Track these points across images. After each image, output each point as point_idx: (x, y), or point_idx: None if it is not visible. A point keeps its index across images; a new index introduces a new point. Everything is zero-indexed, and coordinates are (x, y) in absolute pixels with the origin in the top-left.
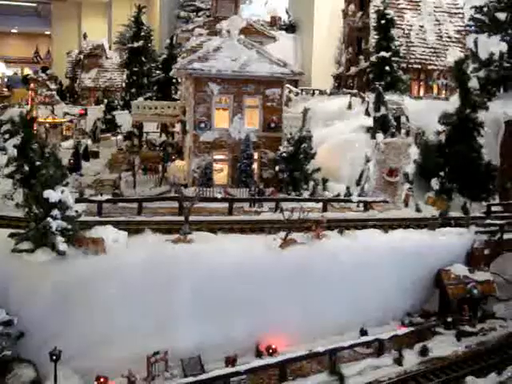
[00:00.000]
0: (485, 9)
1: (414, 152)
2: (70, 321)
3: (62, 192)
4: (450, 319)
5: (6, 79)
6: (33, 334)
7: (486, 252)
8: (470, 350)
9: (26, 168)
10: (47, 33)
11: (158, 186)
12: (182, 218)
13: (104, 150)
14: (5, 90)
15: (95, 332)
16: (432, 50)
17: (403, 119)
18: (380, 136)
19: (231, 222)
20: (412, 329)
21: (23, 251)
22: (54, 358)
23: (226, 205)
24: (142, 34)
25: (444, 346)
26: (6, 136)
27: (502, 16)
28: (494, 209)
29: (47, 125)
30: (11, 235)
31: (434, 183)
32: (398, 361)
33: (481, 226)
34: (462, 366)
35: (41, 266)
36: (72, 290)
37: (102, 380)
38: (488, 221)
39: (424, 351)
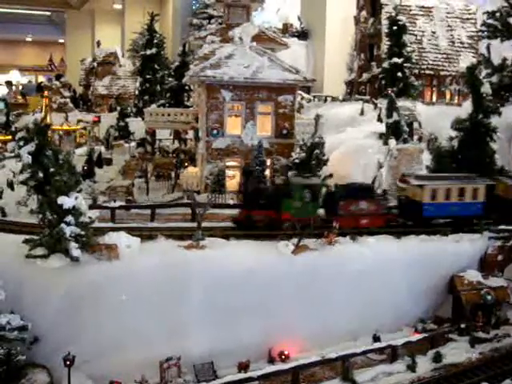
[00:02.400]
0: (497, 14)
1: (427, 158)
2: (84, 326)
3: (76, 198)
4: (463, 325)
5: (20, 87)
6: (47, 339)
7: (500, 258)
8: (484, 357)
9: (41, 175)
10: (61, 41)
11: (171, 193)
12: (194, 225)
13: (117, 156)
14: (19, 97)
15: (108, 337)
16: (444, 56)
17: (416, 125)
18: (392, 142)
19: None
20: (425, 335)
21: (37, 257)
22: (68, 363)
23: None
24: (155, 41)
25: (457, 352)
26: (21, 143)
27: None
28: None
29: (61, 132)
30: (25, 241)
31: None
32: (411, 367)
33: (494, 231)
34: (476, 372)
35: (55, 272)
36: (85, 296)
37: None
38: (501, 226)
39: (437, 358)
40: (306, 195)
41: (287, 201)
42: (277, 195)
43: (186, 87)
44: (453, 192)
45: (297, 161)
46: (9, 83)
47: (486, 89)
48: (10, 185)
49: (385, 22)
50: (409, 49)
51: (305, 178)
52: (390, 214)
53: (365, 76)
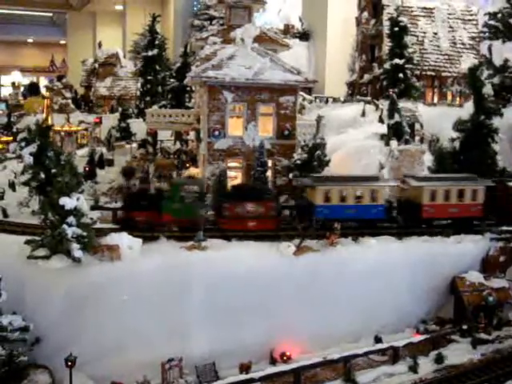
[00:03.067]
0: (499, 15)
1: (428, 159)
2: (85, 327)
3: (78, 199)
4: (465, 327)
5: (22, 88)
6: (48, 339)
7: (502, 259)
8: (486, 358)
9: (42, 175)
10: (62, 42)
11: None
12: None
13: (119, 157)
14: (21, 98)
15: (110, 338)
16: (446, 57)
17: (417, 126)
18: (394, 143)
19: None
20: (427, 336)
21: (39, 258)
22: (70, 363)
23: None
24: (157, 42)
25: (459, 353)
26: (23, 144)
27: None
28: None
29: (62, 133)
30: (27, 242)
31: None
32: (413, 368)
33: (496, 232)
34: (478, 373)
35: (56, 273)
36: (87, 297)
37: None
38: (503, 227)
39: (439, 359)
40: (187, 196)
41: (167, 202)
42: (158, 196)
43: (188, 88)
44: (349, 194)
45: (298, 162)
46: (14, 84)
47: (488, 90)
48: (12, 186)
49: (386, 23)
50: (410, 50)
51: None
52: (281, 217)
53: (366, 77)
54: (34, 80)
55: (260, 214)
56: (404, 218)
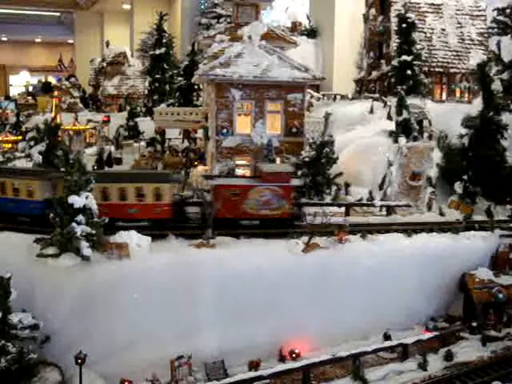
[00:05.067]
0: (507, 10)
1: (437, 156)
2: (95, 325)
3: (87, 198)
4: (474, 324)
5: (30, 87)
6: (58, 337)
7: (511, 256)
8: (496, 355)
9: None
10: (70, 41)
11: (181, 192)
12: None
13: (127, 156)
14: (29, 98)
15: (119, 336)
16: (454, 53)
17: (426, 123)
18: (402, 140)
19: (254, 227)
20: (436, 333)
21: (48, 256)
22: (80, 361)
23: None
24: (164, 41)
25: (469, 350)
26: (32, 143)
27: None
28: None
29: (71, 132)
30: (36, 240)
31: (458, 187)
32: (423, 366)
33: (505, 229)
34: (488, 371)
35: (66, 271)
36: (96, 295)
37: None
38: None
39: (449, 356)
40: None
41: None
42: None
43: (196, 86)
44: (8, 187)
45: (307, 159)
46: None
47: (497, 86)
48: None
49: (394, 20)
50: (418, 46)
51: None
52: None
53: (374, 74)
54: (42, 79)
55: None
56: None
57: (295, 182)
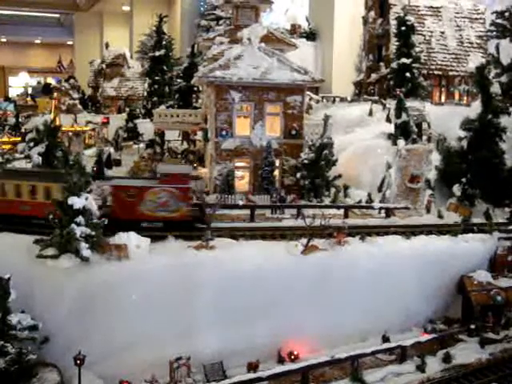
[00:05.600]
0: (506, 14)
1: (436, 158)
2: (94, 325)
3: (86, 199)
4: (473, 326)
5: (30, 89)
6: (57, 338)
7: (510, 258)
8: (494, 358)
9: None
10: (70, 43)
11: None
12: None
13: (126, 157)
14: (28, 99)
15: (118, 337)
16: (453, 56)
17: (424, 125)
18: (401, 142)
19: (253, 229)
20: (435, 335)
21: (48, 257)
22: (79, 362)
23: (248, 211)
24: (164, 42)
25: (467, 353)
26: (31, 144)
27: None
28: None
29: (70, 133)
30: (36, 241)
31: (456, 189)
32: (421, 368)
33: (504, 231)
34: (486, 373)
35: (65, 272)
36: (95, 296)
37: None
38: (511, 226)
39: (447, 358)
40: None
41: None
42: None
43: (195, 88)
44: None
45: (306, 161)
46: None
47: (496, 89)
48: None
49: (393, 23)
50: (417, 49)
51: None
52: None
53: (373, 76)
54: (42, 81)
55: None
56: None
57: (193, 183)
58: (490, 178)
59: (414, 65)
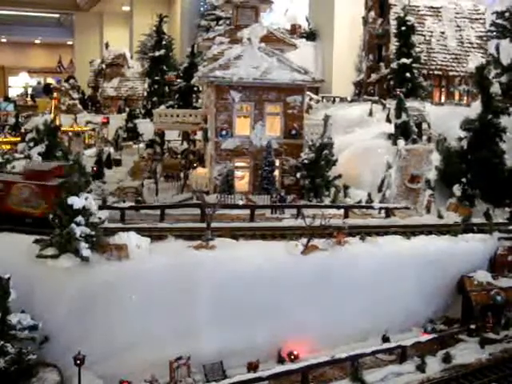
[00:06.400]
0: (506, 14)
1: (436, 158)
2: (94, 325)
3: (86, 199)
4: (473, 326)
5: (30, 89)
6: (57, 338)
7: (510, 258)
8: (494, 358)
9: None
10: (70, 43)
11: (180, 193)
12: (203, 225)
13: (126, 157)
14: (28, 99)
15: (118, 337)
16: (453, 56)
17: (424, 126)
18: (401, 143)
19: (253, 229)
20: (435, 336)
21: (47, 257)
22: (78, 362)
23: (248, 211)
24: (164, 43)
25: (467, 353)
26: (31, 144)
27: None
28: None
29: (70, 133)
30: (36, 241)
31: (456, 189)
32: (421, 368)
33: (504, 232)
34: (486, 373)
35: (65, 272)
36: (95, 296)
37: None
38: (511, 227)
39: (447, 358)
40: None
41: None
42: None
43: (195, 88)
44: None
45: (306, 161)
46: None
47: (496, 89)
48: None
49: (393, 23)
50: (417, 49)
51: None
52: None
53: (373, 76)
54: (42, 81)
55: None
56: None
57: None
58: (490, 178)
59: (414, 65)
